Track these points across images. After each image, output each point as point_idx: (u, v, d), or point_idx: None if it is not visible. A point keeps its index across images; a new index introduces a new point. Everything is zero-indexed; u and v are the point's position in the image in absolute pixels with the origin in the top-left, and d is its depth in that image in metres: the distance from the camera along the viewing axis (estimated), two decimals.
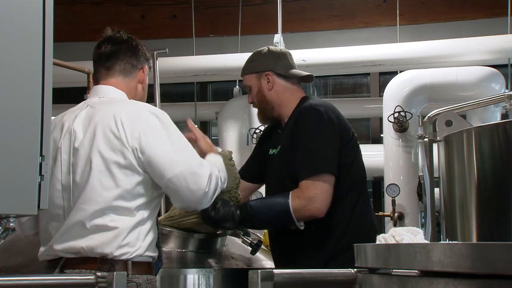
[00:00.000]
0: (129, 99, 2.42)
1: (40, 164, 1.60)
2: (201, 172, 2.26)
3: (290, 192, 2.72)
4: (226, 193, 2.77)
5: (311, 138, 2.78)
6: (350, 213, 2.82)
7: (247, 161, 3.23)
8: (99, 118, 2.26)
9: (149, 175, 2.25)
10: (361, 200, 2.90)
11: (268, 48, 3.05)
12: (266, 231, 3.88)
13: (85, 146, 2.24)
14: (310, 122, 2.81)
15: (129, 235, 2.22)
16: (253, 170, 3.12)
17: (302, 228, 2.74)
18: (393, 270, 1.55)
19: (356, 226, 2.82)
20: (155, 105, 3.51)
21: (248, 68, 3.04)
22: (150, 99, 2.97)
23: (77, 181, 2.24)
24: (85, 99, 2.92)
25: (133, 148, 2.21)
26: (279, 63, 2.99)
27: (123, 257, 2.20)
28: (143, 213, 2.26)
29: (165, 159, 2.22)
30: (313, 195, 2.69)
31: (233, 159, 2.80)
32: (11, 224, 1.65)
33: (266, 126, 3.20)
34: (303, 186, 2.72)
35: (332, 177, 2.73)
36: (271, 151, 3.00)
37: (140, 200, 2.25)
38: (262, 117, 3.04)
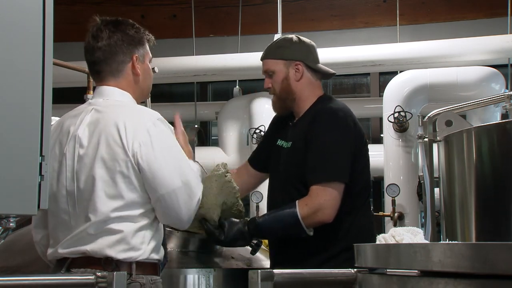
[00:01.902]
0: (133, 96, 2.40)
1: (40, 164, 1.60)
2: (194, 193, 2.26)
3: (297, 202, 2.69)
4: (229, 210, 2.72)
5: (326, 143, 2.74)
6: (353, 218, 2.78)
7: (258, 148, 3.19)
8: (104, 125, 2.24)
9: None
10: (365, 206, 2.87)
11: (298, 37, 2.95)
12: None
13: (90, 155, 2.23)
14: (327, 126, 2.76)
15: (134, 238, 2.21)
16: (263, 160, 3.07)
17: (312, 234, 2.71)
18: (393, 270, 1.55)
19: (356, 231, 2.78)
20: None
21: (276, 53, 2.92)
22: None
23: (81, 189, 2.23)
24: (85, 99, 2.91)
25: (133, 157, 2.19)
26: (309, 56, 2.91)
27: (128, 261, 2.21)
28: (148, 218, 2.25)
29: (161, 174, 2.20)
30: (322, 202, 2.66)
31: (228, 172, 2.73)
32: (11, 224, 1.64)
33: (277, 115, 3.08)
34: (313, 192, 2.69)
35: (342, 185, 2.70)
36: (279, 142, 2.94)
37: (144, 208, 2.24)
38: (280, 106, 2.94)
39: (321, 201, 2.67)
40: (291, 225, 2.68)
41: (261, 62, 2.98)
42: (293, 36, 2.96)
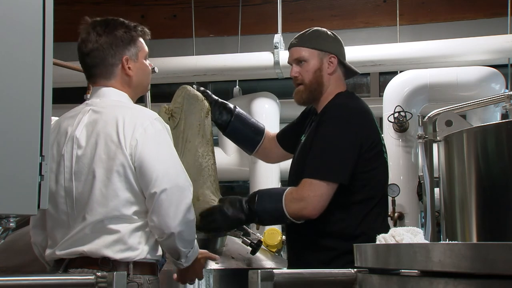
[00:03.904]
0: (128, 96, 2.39)
1: (40, 164, 1.60)
2: (185, 195, 2.24)
3: (285, 193, 2.70)
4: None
5: (327, 140, 2.73)
6: (358, 222, 2.74)
7: (286, 126, 3.18)
8: (102, 126, 2.24)
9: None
10: (374, 212, 2.79)
11: (331, 32, 2.93)
12: (266, 231, 3.89)
13: (88, 155, 2.23)
14: (332, 123, 2.75)
15: (131, 238, 2.22)
16: (286, 140, 3.10)
17: (300, 222, 2.72)
18: (394, 270, 1.55)
19: (361, 237, 2.69)
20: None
21: (312, 42, 2.87)
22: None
23: (79, 189, 2.23)
24: (85, 99, 2.92)
25: (130, 156, 2.20)
26: (342, 51, 2.91)
27: (125, 261, 2.21)
28: (144, 219, 2.25)
29: (154, 173, 2.19)
30: (306, 197, 2.66)
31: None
32: (11, 224, 1.64)
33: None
34: (301, 184, 2.70)
35: (334, 185, 2.68)
36: (302, 136, 2.95)
37: (140, 208, 2.24)
38: (306, 96, 2.88)
39: (305, 195, 2.66)
40: (278, 217, 2.72)
41: (290, 49, 2.93)
42: (326, 30, 2.93)
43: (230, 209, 2.71)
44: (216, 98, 3.04)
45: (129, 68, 2.37)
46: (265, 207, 2.72)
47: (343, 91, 2.90)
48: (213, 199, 2.75)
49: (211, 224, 2.70)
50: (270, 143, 3.14)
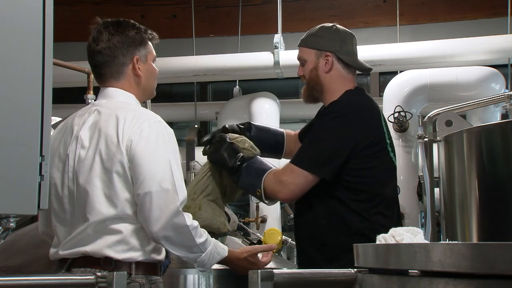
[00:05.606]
0: (136, 97, 2.40)
1: (40, 164, 1.60)
2: (171, 200, 2.19)
3: (272, 168, 2.76)
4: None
5: (319, 133, 2.77)
6: (361, 220, 2.72)
7: (309, 122, 3.16)
8: (104, 127, 2.25)
9: None
10: (380, 212, 2.76)
11: (336, 26, 2.91)
12: (266, 231, 3.88)
13: (90, 156, 2.23)
14: (328, 118, 2.78)
15: (133, 239, 2.22)
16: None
17: (266, 202, 2.80)
18: (393, 270, 1.55)
19: (364, 235, 2.67)
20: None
21: (309, 41, 2.90)
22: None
23: (80, 189, 2.23)
24: (85, 99, 2.92)
25: (126, 156, 2.19)
26: (343, 47, 2.87)
27: (128, 261, 2.21)
28: None
29: (142, 174, 2.18)
30: (285, 181, 2.70)
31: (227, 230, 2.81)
32: (11, 224, 1.65)
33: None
34: (284, 168, 2.75)
35: (314, 177, 2.70)
36: None
37: None
38: (308, 95, 2.92)
39: (284, 179, 2.71)
40: (252, 191, 2.78)
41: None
42: (332, 26, 2.91)
43: (226, 152, 2.78)
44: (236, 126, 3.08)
45: (139, 68, 2.38)
46: (248, 175, 2.77)
47: (352, 88, 2.89)
48: (217, 211, 2.78)
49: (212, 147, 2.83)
50: (295, 143, 3.13)
